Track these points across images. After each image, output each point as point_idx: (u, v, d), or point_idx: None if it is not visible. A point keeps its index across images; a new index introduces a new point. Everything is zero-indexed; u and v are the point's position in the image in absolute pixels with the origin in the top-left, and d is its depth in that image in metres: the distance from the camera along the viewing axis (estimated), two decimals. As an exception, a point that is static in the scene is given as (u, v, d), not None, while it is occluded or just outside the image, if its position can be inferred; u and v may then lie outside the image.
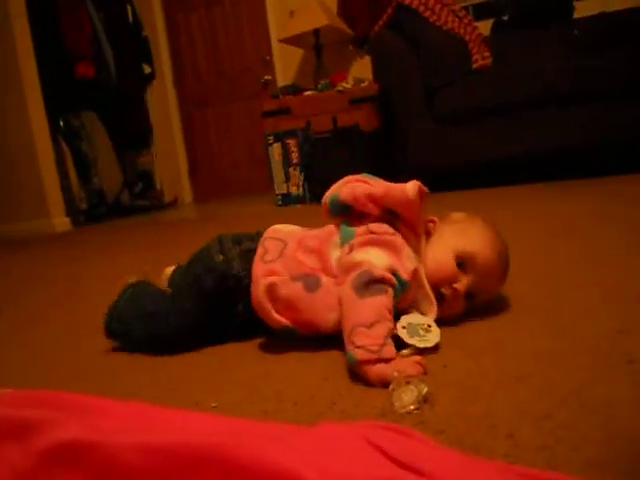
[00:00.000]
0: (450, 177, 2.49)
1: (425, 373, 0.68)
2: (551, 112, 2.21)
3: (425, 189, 0.83)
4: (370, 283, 0.73)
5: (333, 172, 2.95)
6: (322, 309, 0.80)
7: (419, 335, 0.76)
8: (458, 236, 0.83)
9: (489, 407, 0.59)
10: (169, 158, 4.28)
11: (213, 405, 0.69)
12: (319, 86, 3.29)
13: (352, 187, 0.84)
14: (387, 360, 0.68)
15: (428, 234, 0.86)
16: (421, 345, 0.74)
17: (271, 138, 3.17)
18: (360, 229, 0.82)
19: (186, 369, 0.82)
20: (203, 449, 0.47)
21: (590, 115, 2.14)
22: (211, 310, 0.88)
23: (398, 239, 0.80)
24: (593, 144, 2.15)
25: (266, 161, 3.28)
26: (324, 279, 0.80)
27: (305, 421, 0.62)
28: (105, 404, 0.64)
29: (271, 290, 0.81)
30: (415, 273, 0.79)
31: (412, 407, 0.62)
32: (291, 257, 0.84)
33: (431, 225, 0.87)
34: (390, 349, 0.69)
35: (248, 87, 4.06)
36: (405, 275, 0.77)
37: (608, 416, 0.54)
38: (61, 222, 3.71)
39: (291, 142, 3.13)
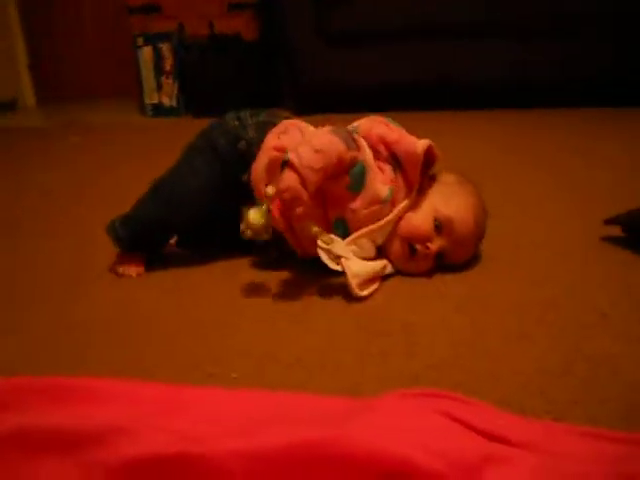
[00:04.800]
0: (342, 99, 2.50)
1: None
2: (461, 43, 2.28)
3: (437, 152, 0.87)
4: (346, 133, 0.85)
5: (211, 83, 2.82)
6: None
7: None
8: (443, 199, 0.89)
9: (510, 366, 0.67)
10: (3, 48, 3.65)
11: (233, 376, 0.68)
12: (193, -16, 2.99)
13: (371, 125, 0.90)
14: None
15: (421, 191, 0.90)
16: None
17: (140, 40, 2.85)
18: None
19: (189, 331, 0.79)
20: (312, 447, 0.48)
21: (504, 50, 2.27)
22: (221, 179, 0.92)
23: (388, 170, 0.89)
24: (488, 77, 2.29)
25: (133, 64, 2.96)
26: None
27: (345, 391, 0.64)
28: (147, 392, 0.60)
29: (272, 165, 0.87)
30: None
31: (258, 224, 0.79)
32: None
33: (427, 183, 0.90)
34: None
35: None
36: (369, 163, 0.86)
37: (613, 369, 0.64)
38: None
39: (164, 47, 2.85)
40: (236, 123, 0.94)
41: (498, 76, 2.34)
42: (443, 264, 0.91)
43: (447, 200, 0.89)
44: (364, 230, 0.87)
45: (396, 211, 0.88)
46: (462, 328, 0.76)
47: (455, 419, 0.53)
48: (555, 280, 0.88)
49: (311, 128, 0.94)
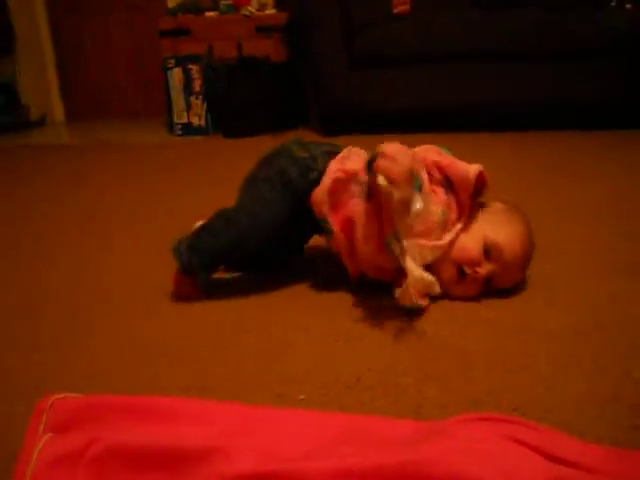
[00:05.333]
0: (365, 121, 2.55)
1: None
2: (473, 67, 2.34)
3: (487, 178, 0.92)
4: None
5: (239, 104, 2.89)
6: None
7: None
8: (492, 226, 0.93)
9: (563, 391, 0.70)
10: (36, 69, 3.76)
11: (301, 397, 0.72)
12: (221, 7, 3.08)
13: (425, 152, 0.95)
14: None
15: (471, 216, 0.94)
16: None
17: (171, 62, 2.94)
18: None
19: (254, 352, 0.83)
20: (400, 469, 0.51)
21: (501, 72, 2.33)
22: (291, 210, 0.96)
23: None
24: (506, 101, 2.34)
25: (162, 85, 3.04)
26: None
27: (407, 412, 0.67)
28: (224, 412, 0.64)
29: (336, 185, 0.93)
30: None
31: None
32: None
33: (476, 209, 0.96)
34: None
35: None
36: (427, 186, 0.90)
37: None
38: None
39: (194, 68, 2.93)
40: (305, 155, 0.98)
41: (524, 99, 2.38)
42: (490, 289, 0.94)
43: (496, 227, 0.93)
44: (420, 241, 0.89)
45: (450, 235, 0.92)
46: (513, 354, 0.79)
47: (522, 443, 0.56)
48: (595, 304, 0.91)
49: None
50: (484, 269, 0.91)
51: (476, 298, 0.94)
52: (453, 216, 0.94)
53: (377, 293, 0.97)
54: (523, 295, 0.96)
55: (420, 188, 0.85)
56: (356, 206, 0.92)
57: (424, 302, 0.89)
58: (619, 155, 2.00)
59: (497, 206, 0.98)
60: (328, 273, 1.07)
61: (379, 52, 2.46)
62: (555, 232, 1.25)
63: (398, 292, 0.85)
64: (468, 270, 0.92)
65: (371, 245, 0.89)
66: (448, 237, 0.92)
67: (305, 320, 0.91)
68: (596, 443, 0.60)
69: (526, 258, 0.94)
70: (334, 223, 0.93)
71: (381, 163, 0.80)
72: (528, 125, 2.36)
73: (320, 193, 0.93)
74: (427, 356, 0.79)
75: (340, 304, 0.96)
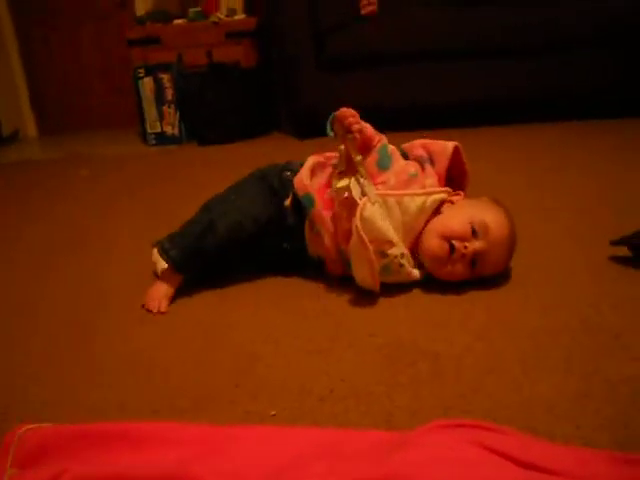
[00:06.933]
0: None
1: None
2: (442, 66, 2.36)
3: (463, 155, 1.06)
4: None
5: (211, 111, 2.88)
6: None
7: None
8: (477, 208, 0.97)
9: (533, 392, 0.70)
10: (5, 83, 3.70)
11: (272, 413, 0.71)
12: (190, 14, 3.06)
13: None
14: None
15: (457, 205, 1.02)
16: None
17: (141, 71, 2.91)
18: None
19: (223, 368, 0.82)
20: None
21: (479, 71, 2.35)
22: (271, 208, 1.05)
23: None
24: (476, 97, 2.36)
25: (133, 95, 3.01)
26: None
27: (379, 421, 0.67)
28: (194, 434, 0.64)
29: (316, 166, 1.07)
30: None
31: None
32: None
33: (455, 197, 1.03)
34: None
35: (100, 5, 3.61)
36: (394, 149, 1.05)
37: (631, 391, 0.68)
38: None
39: (165, 77, 2.90)
40: (288, 173, 1.09)
41: (491, 94, 2.41)
42: (475, 275, 0.96)
43: (483, 210, 0.97)
44: (394, 192, 0.98)
45: (428, 189, 1.00)
46: (484, 356, 0.79)
47: (492, 450, 0.57)
48: (567, 303, 0.92)
49: None
50: (472, 245, 0.94)
51: (459, 285, 0.97)
52: (429, 181, 1.01)
53: (347, 303, 0.98)
54: (496, 294, 0.97)
55: (388, 152, 1.03)
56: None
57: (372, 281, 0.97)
58: (604, 145, 2.00)
59: (482, 198, 1.03)
60: (297, 284, 1.07)
61: (348, 54, 2.46)
62: (534, 228, 1.26)
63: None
64: (457, 244, 0.94)
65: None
66: (427, 189, 1.00)
67: (275, 332, 0.91)
68: (565, 445, 0.60)
69: (511, 242, 0.97)
70: (315, 194, 1.02)
71: (338, 114, 0.99)
72: (504, 120, 2.37)
73: (303, 173, 1.04)
74: (399, 362, 0.79)
75: (310, 315, 0.96)
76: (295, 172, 1.06)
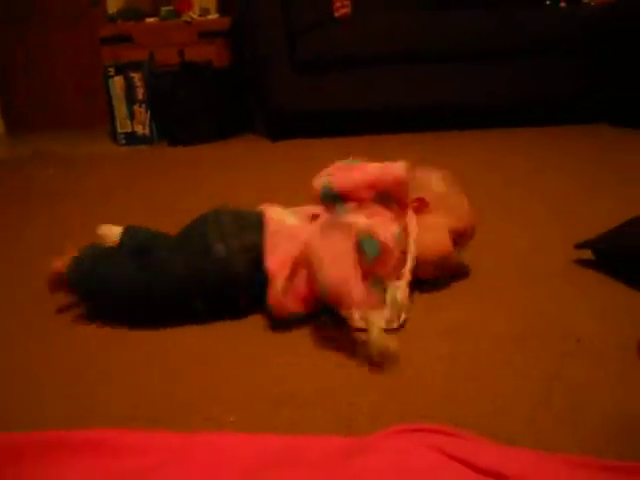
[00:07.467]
0: (310, 124, 2.55)
1: None
2: (414, 68, 2.37)
3: (411, 169, 0.93)
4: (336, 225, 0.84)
5: (183, 111, 2.84)
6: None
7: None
8: (450, 216, 0.96)
9: (494, 395, 0.70)
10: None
11: (231, 420, 0.69)
12: (162, 13, 3.02)
13: (347, 177, 0.89)
14: None
15: (418, 210, 0.95)
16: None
17: (112, 70, 2.86)
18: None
19: (181, 375, 0.80)
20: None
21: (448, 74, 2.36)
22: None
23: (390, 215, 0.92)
24: (448, 100, 2.38)
25: (104, 94, 2.96)
26: None
27: (336, 430, 0.66)
28: (155, 442, 0.62)
29: (289, 282, 0.86)
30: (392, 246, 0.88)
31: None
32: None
33: (416, 204, 0.96)
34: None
35: (72, 2, 3.54)
36: (382, 236, 0.86)
37: (592, 396, 0.68)
38: None
39: (135, 76, 2.86)
40: (223, 251, 0.89)
41: (464, 98, 2.43)
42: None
43: (453, 215, 0.97)
44: (407, 275, 0.90)
45: (412, 244, 0.92)
46: (449, 361, 0.78)
47: (450, 456, 0.56)
48: (532, 306, 0.92)
49: (287, 215, 0.94)
50: (454, 255, 0.98)
51: (425, 289, 0.99)
52: (402, 220, 0.93)
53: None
54: (462, 298, 0.96)
55: (368, 241, 0.84)
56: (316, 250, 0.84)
57: (392, 344, 0.78)
58: (574, 150, 2.03)
59: (436, 188, 0.98)
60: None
61: (322, 55, 2.45)
62: (502, 231, 1.27)
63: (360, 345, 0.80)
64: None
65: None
66: (412, 244, 0.92)
67: (236, 337, 0.88)
68: (526, 449, 0.60)
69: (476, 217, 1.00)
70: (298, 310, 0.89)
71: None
72: (478, 123, 2.39)
73: (276, 300, 0.87)
74: (362, 369, 0.78)
75: (271, 320, 0.93)
76: (230, 249, 0.88)
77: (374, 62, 2.42)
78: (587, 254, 1.07)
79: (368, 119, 2.45)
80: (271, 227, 0.90)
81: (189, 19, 2.96)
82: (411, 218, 0.94)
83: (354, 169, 0.92)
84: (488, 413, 0.67)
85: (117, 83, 2.88)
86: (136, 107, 2.90)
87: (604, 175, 1.67)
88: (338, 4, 2.50)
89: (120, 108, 2.91)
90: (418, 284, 0.97)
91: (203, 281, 0.88)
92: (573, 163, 1.84)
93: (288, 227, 0.91)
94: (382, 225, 0.88)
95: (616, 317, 0.86)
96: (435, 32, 2.36)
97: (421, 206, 0.96)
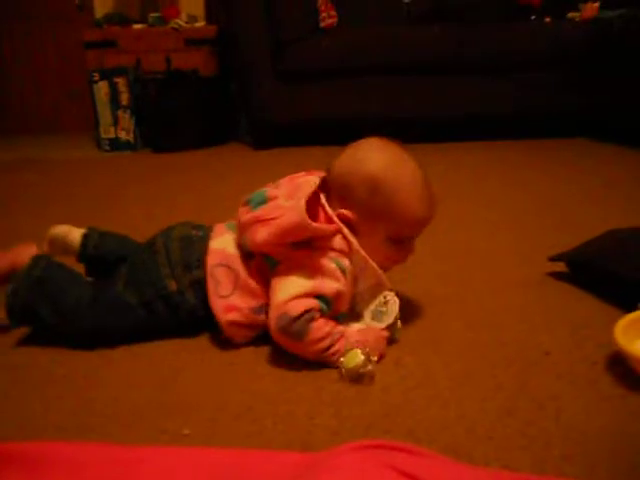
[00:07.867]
0: (293, 133, 2.54)
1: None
2: (400, 80, 2.37)
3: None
4: (293, 322, 0.76)
5: (168, 118, 2.82)
6: None
7: (382, 313, 0.83)
8: (384, 220, 0.83)
9: (457, 410, 0.68)
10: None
11: (185, 432, 0.67)
12: (149, 19, 3.01)
13: (253, 240, 0.81)
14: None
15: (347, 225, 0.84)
16: (389, 322, 0.82)
17: (96, 75, 2.84)
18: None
19: (136, 387, 0.77)
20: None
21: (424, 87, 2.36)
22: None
23: (321, 258, 0.80)
24: (432, 113, 2.38)
25: (89, 99, 2.94)
26: None
27: (293, 445, 0.64)
28: (100, 454, 0.59)
29: (235, 324, 0.84)
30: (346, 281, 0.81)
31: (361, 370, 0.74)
32: (245, 287, 0.84)
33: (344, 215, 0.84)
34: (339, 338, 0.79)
35: (57, 7, 3.52)
36: (329, 292, 0.79)
37: (556, 409, 0.66)
38: None
39: (120, 81, 2.84)
40: (174, 286, 0.86)
41: (447, 110, 2.44)
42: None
43: (387, 217, 0.83)
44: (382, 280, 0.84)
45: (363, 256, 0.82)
46: (412, 372, 0.76)
47: (407, 475, 0.54)
48: (501, 319, 0.90)
49: (230, 242, 0.87)
50: (403, 254, 0.87)
51: None
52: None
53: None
54: (429, 309, 0.94)
55: (324, 302, 0.79)
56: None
57: (370, 367, 0.75)
58: (543, 163, 2.05)
59: (339, 170, 0.89)
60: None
61: (307, 65, 2.45)
62: (475, 243, 1.26)
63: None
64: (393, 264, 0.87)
65: None
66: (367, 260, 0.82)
67: (194, 351, 0.85)
68: (483, 467, 0.58)
69: (426, 193, 0.87)
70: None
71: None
72: (460, 136, 2.41)
73: (227, 334, 0.85)
74: (322, 379, 0.76)
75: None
76: (181, 285, 0.86)
77: (359, 72, 2.42)
78: (561, 267, 1.06)
79: (350, 129, 2.44)
80: (210, 260, 0.85)
81: (176, 26, 2.96)
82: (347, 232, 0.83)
83: (254, 223, 0.81)
84: (449, 427, 0.65)
85: (101, 88, 2.86)
86: (120, 112, 2.88)
87: (577, 190, 1.66)
88: (324, 14, 2.50)
89: (104, 114, 2.89)
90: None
91: (158, 316, 0.87)
92: (544, 179, 1.84)
93: (230, 253, 0.85)
94: (323, 282, 0.79)
95: (586, 330, 0.85)
96: (418, 45, 2.37)
97: (346, 220, 0.83)
